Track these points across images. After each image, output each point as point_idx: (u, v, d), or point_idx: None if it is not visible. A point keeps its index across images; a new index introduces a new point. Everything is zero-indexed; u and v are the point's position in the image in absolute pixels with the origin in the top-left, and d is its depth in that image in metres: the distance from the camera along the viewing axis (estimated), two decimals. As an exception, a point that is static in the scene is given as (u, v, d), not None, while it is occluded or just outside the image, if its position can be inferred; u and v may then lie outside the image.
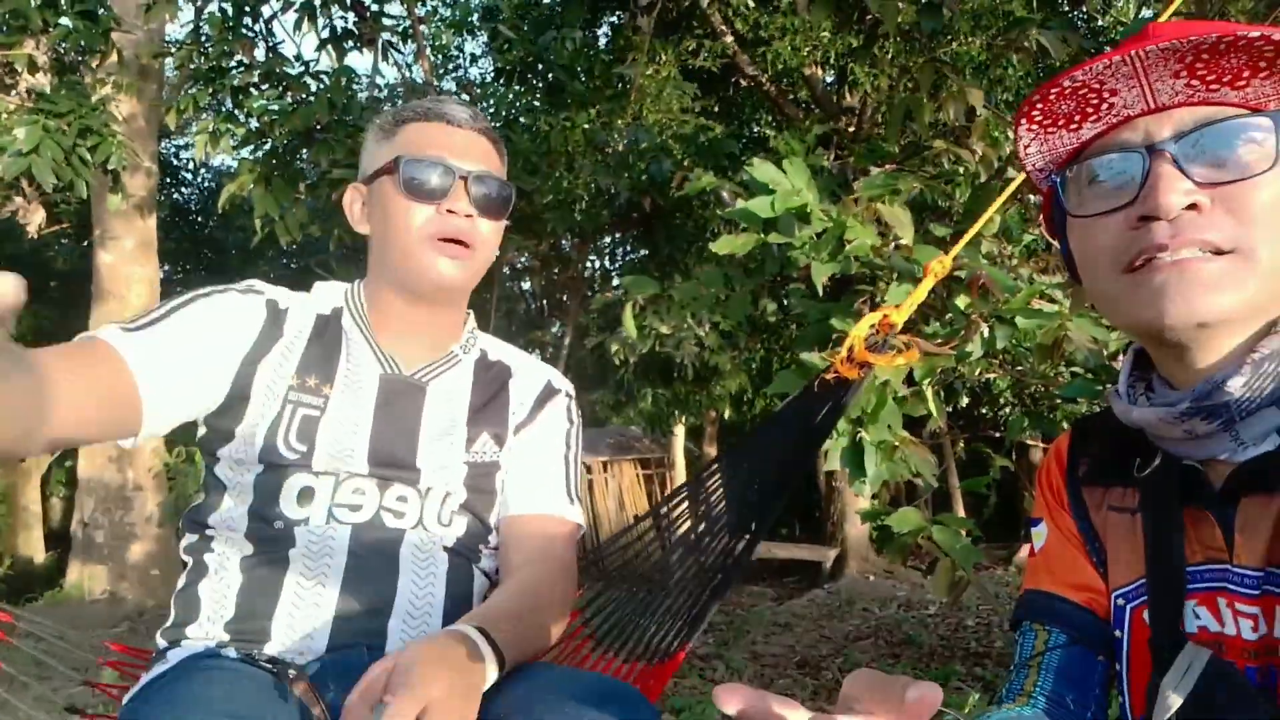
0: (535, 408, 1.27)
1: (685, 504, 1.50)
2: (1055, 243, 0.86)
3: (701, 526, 1.48)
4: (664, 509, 1.51)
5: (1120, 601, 0.83)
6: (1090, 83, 0.71)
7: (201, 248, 13.27)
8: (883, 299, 2.31)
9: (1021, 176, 1.80)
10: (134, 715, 0.93)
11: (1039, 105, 0.75)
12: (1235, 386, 0.69)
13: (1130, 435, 0.81)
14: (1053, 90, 0.73)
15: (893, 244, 1.91)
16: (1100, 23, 6.34)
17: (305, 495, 1.09)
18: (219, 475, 1.13)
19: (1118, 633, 0.83)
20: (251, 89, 5.04)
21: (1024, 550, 8.37)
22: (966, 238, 1.78)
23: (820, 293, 1.91)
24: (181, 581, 1.12)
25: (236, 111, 5.13)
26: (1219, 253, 0.68)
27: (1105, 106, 0.72)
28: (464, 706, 0.85)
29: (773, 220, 1.81)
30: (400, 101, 6.19)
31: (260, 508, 1.08)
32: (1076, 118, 0.74)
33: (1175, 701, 0.71)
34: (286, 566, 1.07)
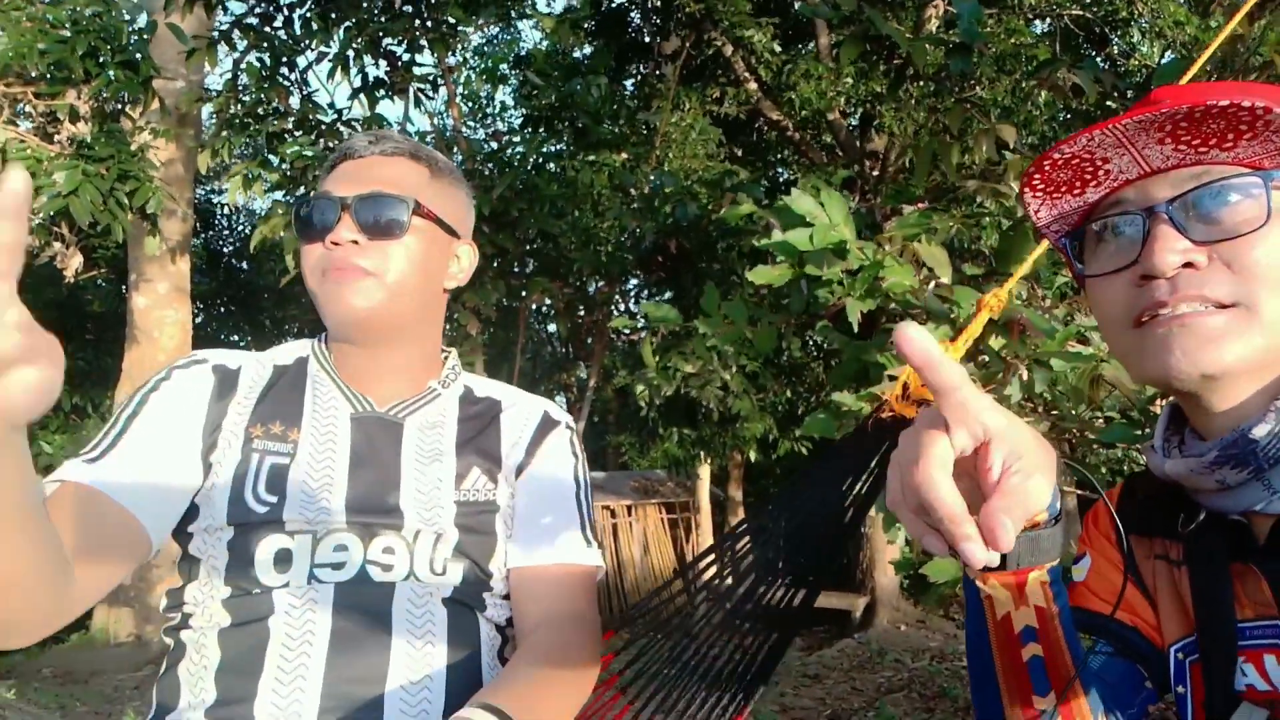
0: (534, 443, 1.15)
1: (730, 554, 1.36)
2: (1080, 291, 0.87)
3: (748, 580, 1.32)
4: (704, 561, 1.36)
5: (1180, 655, 0.81)
6: (1080, 154, 0.74)
7: (233, 289, 13.52)
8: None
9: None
10: None
11: (1037, 176, 0.78)
12: (1260, 434, 0.70)
13: (1174, 492, 0.81)
14: (1046, 163, 0.76)
15: (931, 284, 1.88)
16: (1124, 66, 6.34)
17: (282, 558, 0.99)
18: (192, 553, 1.04)
19: (1180, 689, 0.81)
20: (286, 135, 5.17)
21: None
22: (1020, 272, 1.74)
23: (855, 330, 1.88)
24: (162, 666, 1.03)
25: (271, 156, 5.25)
26: (1222, 306, 0.70)
27: (1102, 173, 0.76)
28: None
29: (807, 254, 1.79)
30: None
31: (236, 575, 0.99)
32: (1077, 184, 0.78)
33: None
34: (267, 638, 0.97)
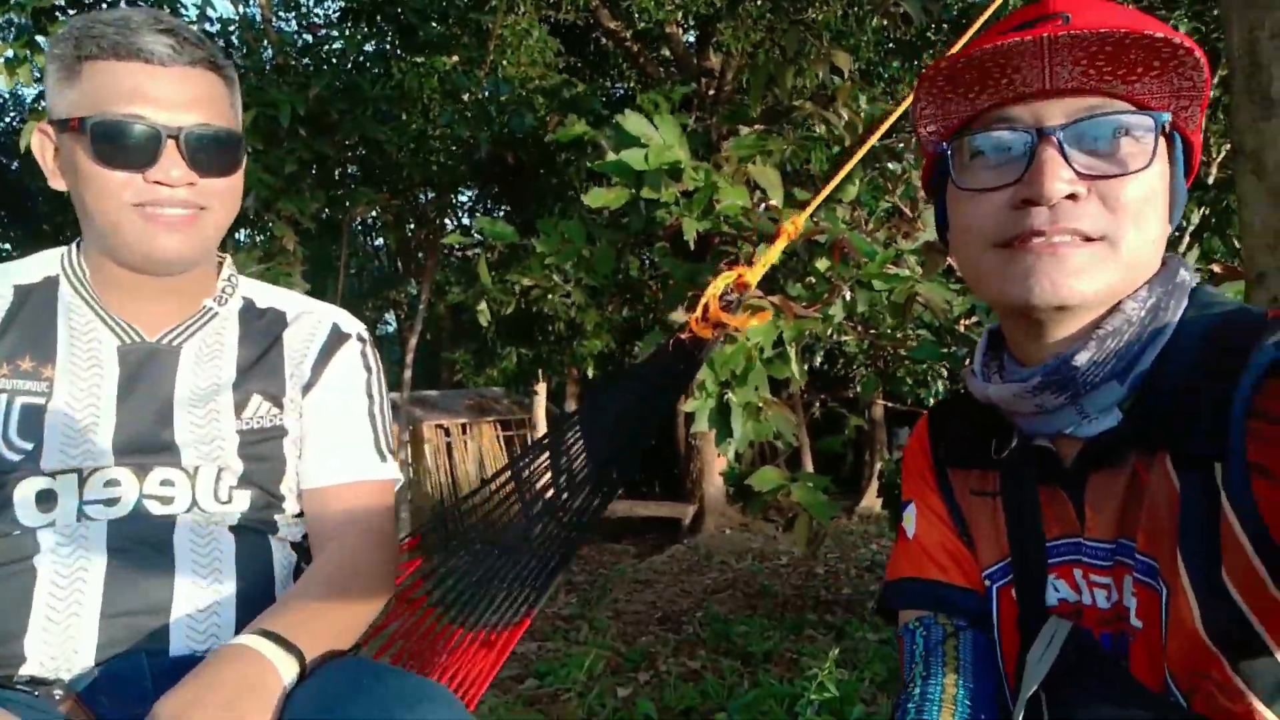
0: (321, 360, 1.10)
1: (537, 464, 1.45)
2: (929, 201, 0.87)
3: (555, 487, 1.43)
4: (515, 468, 1.45)
5: (987, 582, 0.85)
6: (1000, 55, 0.72)
7: (4, 195, 11.82)
8: (747, 259, 2.31)
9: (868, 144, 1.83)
10: None
11: (945, 72, 0.75)
12: (1081, 360, 0.72)
13: (985, 418, 0.83)
14: (960, 61, 0.73)
15: (761, 205, 1.91)
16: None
17: (45, 498, 0.93)
18: None
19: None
20: (56, 12, 4.47)
21: (867, 500, 8.89)
22: (820, 198, 1.81)
23: (691, 248, 1.89)
24: None
25: (39, 38, 4.54)
26: (1087, 240, 0.71)
27: (1005, 81, 0.74)
28: None
29: (642, 175, 1.77)
30: (235, 41, 5.68)
31: None
32: (976, 88, 0.75)
33: (1040, 672, 0.75)
34: (34, 577, 0.91)
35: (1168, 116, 0.72)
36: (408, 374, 7.11)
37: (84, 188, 0.95)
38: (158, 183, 0.94)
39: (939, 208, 0.85)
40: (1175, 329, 0.72)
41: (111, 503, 0.95)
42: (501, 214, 7.86)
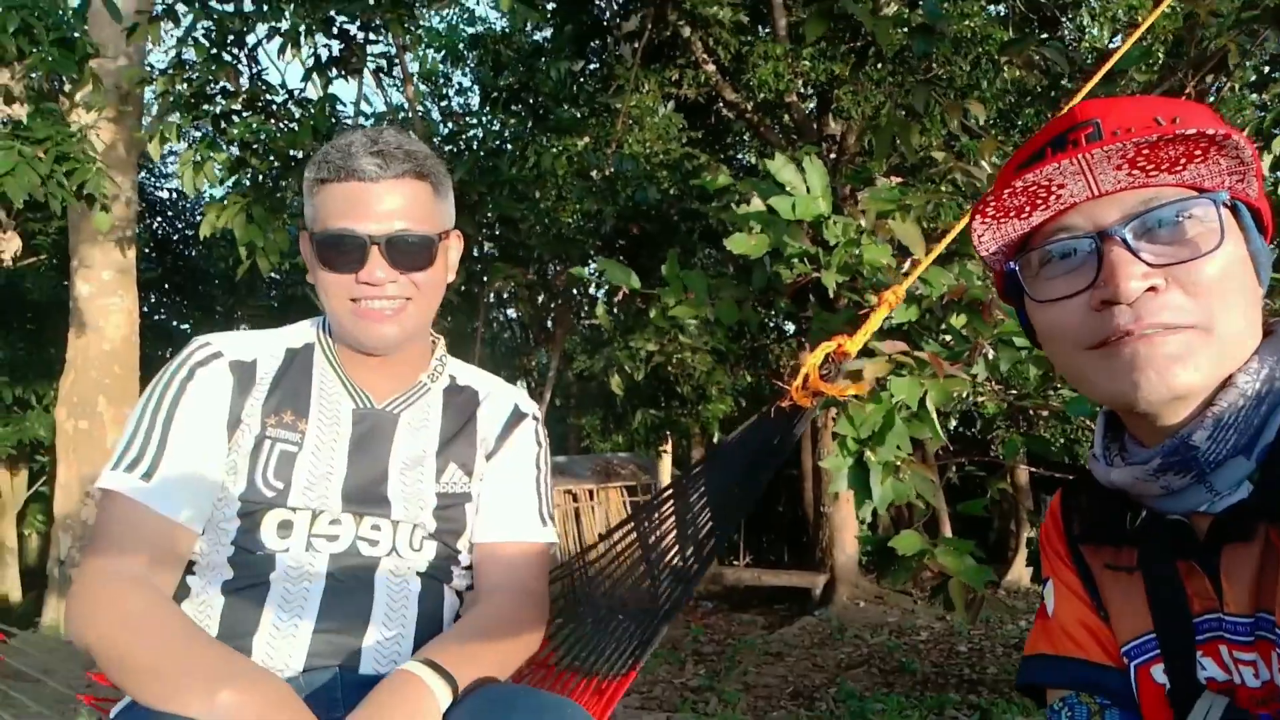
0: (504, 434, 1.30)
1: (640, 527, 1.55)
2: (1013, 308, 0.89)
3: (656, 549, 1.53)
4: (629, 526, 1.56)
5: (1126, 659, 0.82)
6: (1040, 180, 0.74)
7: (182, 277, 13.15)
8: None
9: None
10: None
11: (992, 203, 0.77)
12: (1201, 440, 0.71)
13: (1116, 494, 0.82)
14: (1005, 190, 0.75)
15: (908, 261, 1.89)
16: (1074, 48, 6.45)
17: (285, 527, 1.15)
18: None
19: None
20: (234, 115, 5.02)
21: (1014, 572, 8.34)
22: (923, 265, 1.77)
23: (831, 297, 1.89)
24: None
25: (218, 139, 5.10)
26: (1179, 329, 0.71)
27: (1054, 198, 0.75)
28: None
29: (781, 225, 1.78)
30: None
31: (241, 539, 1.14)
32: (1027, 209, 0.77)
33: None
34: (267, 590, 1.12)
35: (1225, 195, 0.71)
36: (538, 440, 7.30)
37: (317, 284, 1.17)
38: (366, 283, 1.12)
39: (1021, 316, 0.85)
40: None
41: (332, 539, 1.16)
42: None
